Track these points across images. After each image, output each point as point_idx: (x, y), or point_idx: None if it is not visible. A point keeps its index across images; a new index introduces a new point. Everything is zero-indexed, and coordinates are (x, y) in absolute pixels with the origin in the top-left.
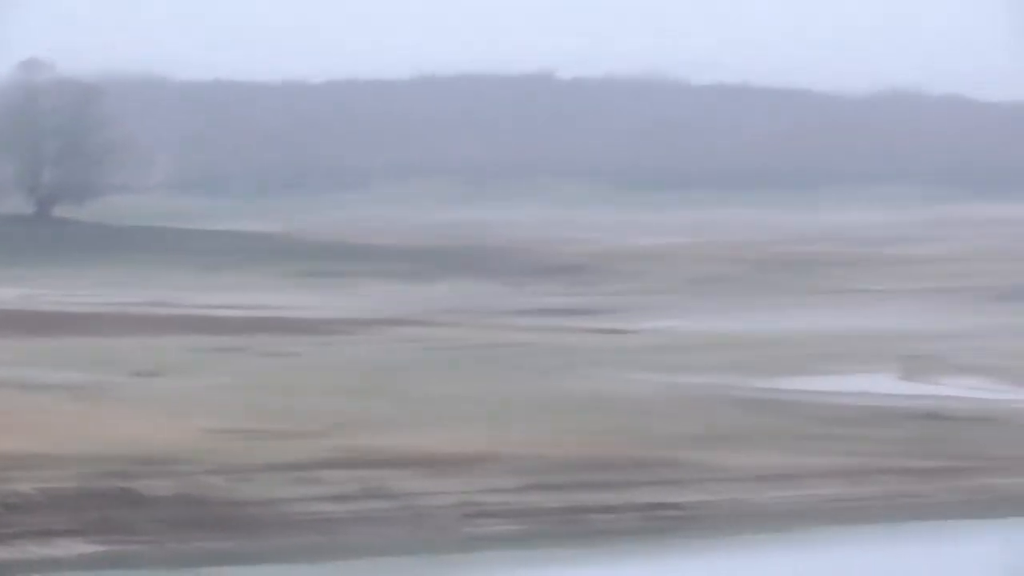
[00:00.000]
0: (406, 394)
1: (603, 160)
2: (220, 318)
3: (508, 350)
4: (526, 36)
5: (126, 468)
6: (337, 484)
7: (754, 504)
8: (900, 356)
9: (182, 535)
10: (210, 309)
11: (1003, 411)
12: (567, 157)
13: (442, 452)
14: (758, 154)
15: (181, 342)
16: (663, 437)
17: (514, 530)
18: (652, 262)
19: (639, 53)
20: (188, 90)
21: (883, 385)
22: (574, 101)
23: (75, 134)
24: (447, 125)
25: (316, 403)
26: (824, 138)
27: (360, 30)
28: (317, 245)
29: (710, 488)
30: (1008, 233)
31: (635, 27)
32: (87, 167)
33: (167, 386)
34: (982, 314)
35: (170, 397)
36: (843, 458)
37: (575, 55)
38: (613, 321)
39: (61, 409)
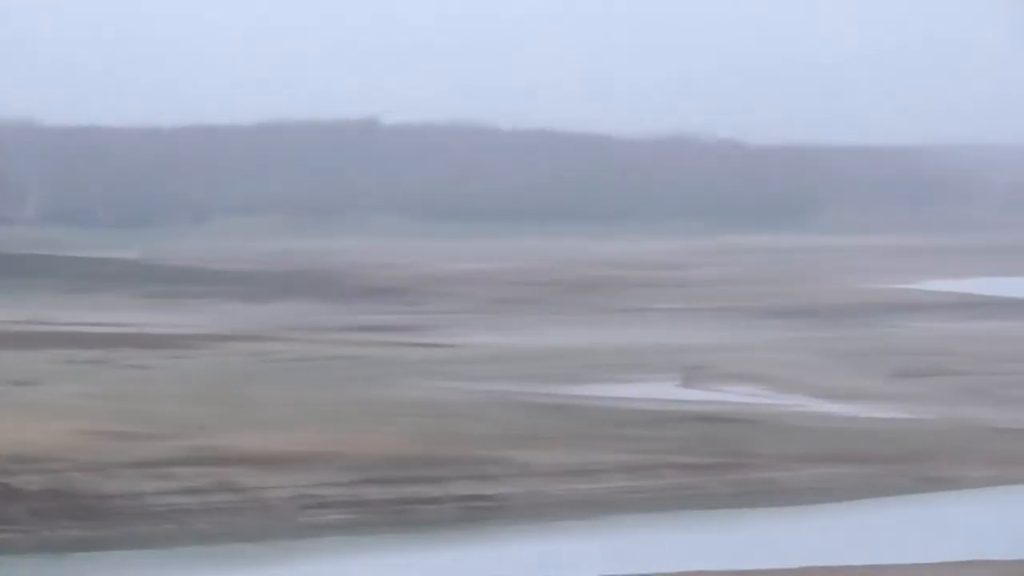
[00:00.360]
0: (250, 400)
1: (422, 196)
2: (87, 334)
3: (338, 362)
4: (354, 86)
5: (4, 466)
6: (189, 479)
7: (554, 495)
8: (681, 366)
9: (53, 525)
10: (78, 326)
11: (769, 414)
12: (391, 193)
13: (282, 451)
14: (560, 191)
15: (53, 355)
16: (476, 438)
17: (347, 519)
18: (464, 285)
19: (454, 102)
20: (58, 134)
21: (666, 391)
22: (396, 144)
23: None
24: (285, 166)
25: (171, 408)
26: (618, 177)
27: (209, 82)
28: (171, 270)
29: (516, 482)
30: (773, 260)
31: (450, 78)
32: None
33: (41, 394)
34: (751, 330)
35: (43, 403)
36: (631, 455)
37: (397, 103)
38: (430, 337)
39: None
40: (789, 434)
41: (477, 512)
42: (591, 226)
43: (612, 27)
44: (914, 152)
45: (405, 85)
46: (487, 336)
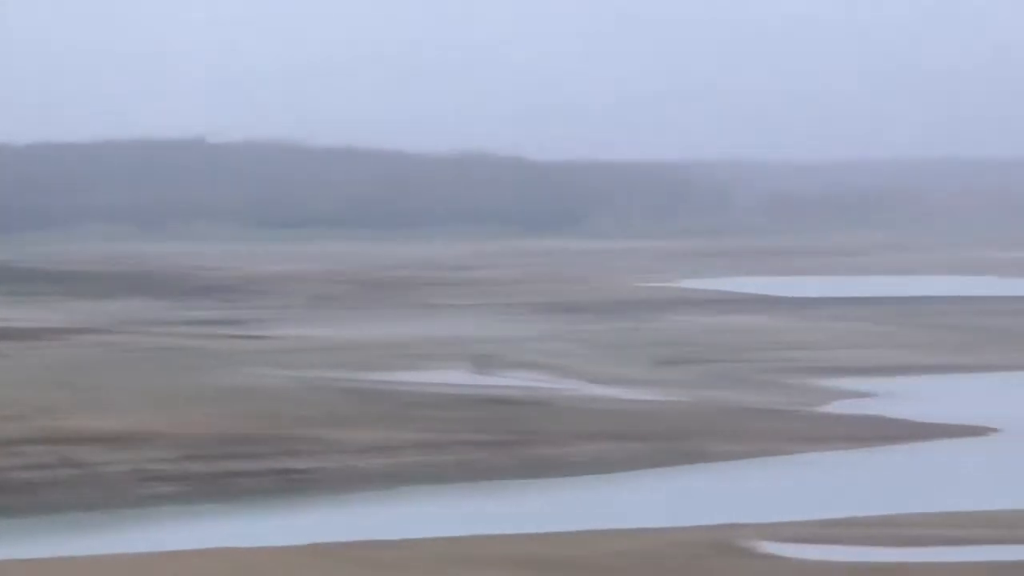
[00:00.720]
0: (94, 386)
1: (246, 206)
2: None
3: (171, 352)
4: (182, 106)
5: None
6: (37, 456)
7: (361, 469)
8: (471, 355)
9: None
10: None
11: (549, 397)
12: (219, 204)
13: (121, 430)
14: (365, 201)
15: None
16: (291, 418)
17: (176, 491)
18: (282, 284)
19: (270, 121)
20: None
21: (459, 377)
22: (221, 160)
23: None
24: (124, 179)
25: (21, 393)
26: (416, 188)
27: (52, 101)
28: (25, 271)
29: (328, 457)
30: (552, 261)
31: (268, 101)
32: None
33: None
34: (533, 323)
35: None
36: (428, 433)
37: (221, 123)
38: (253, 329)
39: None
40: (567, 414)
41: (292, 484)
42: (393, 232)
43: (409, 54)
44: (677, 167)
45: (226, 105)
46: (303, 329)
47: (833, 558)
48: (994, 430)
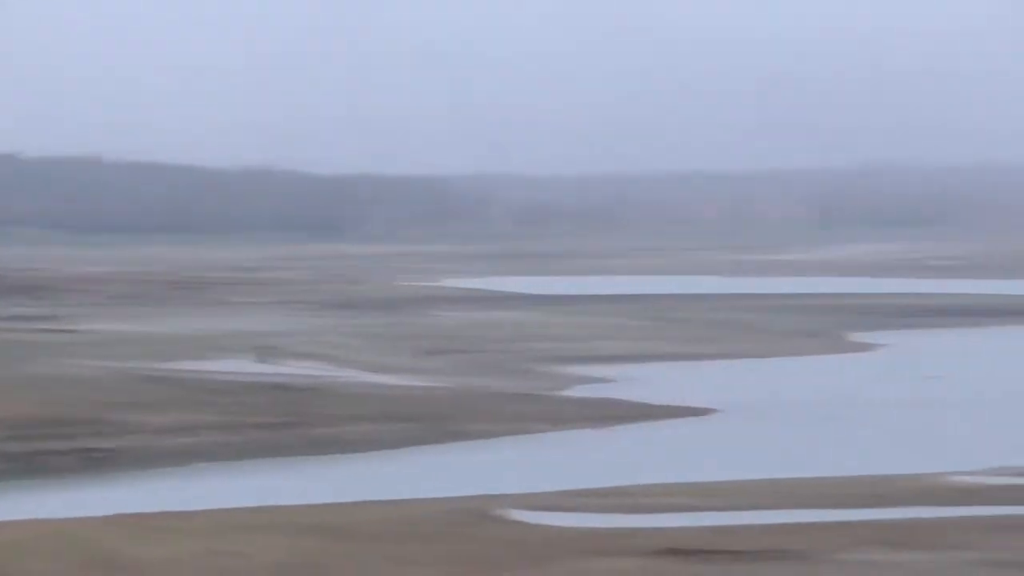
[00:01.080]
0: None
1: (53, 214)
2: None
3: None
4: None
5: None
6: None
7: (159, 447)
8: (256, 347)
9: None
10: None
11: (328, 384)
12: (28, 213)
13: None
14: (161, 209)
15: None
16: (98, 403)
17: None
18: (91, 284)
19: (84, 135)
20: None
21: (247, 366)
22: (35, 173)
23: None
24: None
25: None
26: (210, 199)
27: None
28: None
29: (130, 437)
30: (330, 264)
31: (80, 115)
32: None
33: None
34: (313, 318)
35: None
36: (219, 416)
37: (35, 139)
38: (63, 324)
39: None
40: (343, 399)
41: (98, 461)
42: (190, 237)
43: (207, 76)
44: (439, 180)
45: (41, 120)
46: (110, 324)
47: (573, 524)
48: (713, 411)
